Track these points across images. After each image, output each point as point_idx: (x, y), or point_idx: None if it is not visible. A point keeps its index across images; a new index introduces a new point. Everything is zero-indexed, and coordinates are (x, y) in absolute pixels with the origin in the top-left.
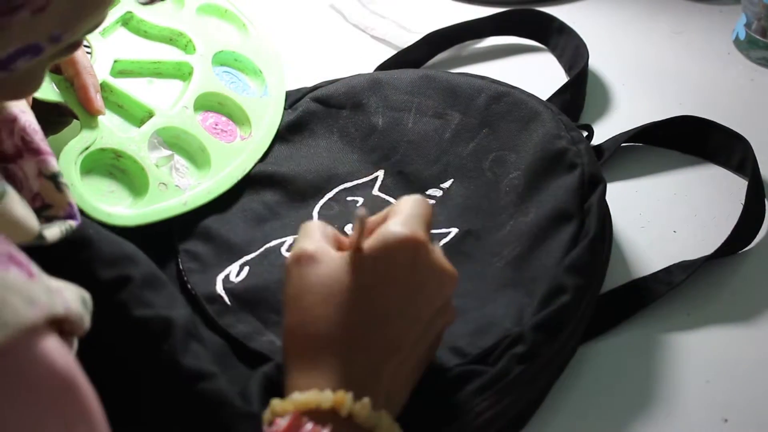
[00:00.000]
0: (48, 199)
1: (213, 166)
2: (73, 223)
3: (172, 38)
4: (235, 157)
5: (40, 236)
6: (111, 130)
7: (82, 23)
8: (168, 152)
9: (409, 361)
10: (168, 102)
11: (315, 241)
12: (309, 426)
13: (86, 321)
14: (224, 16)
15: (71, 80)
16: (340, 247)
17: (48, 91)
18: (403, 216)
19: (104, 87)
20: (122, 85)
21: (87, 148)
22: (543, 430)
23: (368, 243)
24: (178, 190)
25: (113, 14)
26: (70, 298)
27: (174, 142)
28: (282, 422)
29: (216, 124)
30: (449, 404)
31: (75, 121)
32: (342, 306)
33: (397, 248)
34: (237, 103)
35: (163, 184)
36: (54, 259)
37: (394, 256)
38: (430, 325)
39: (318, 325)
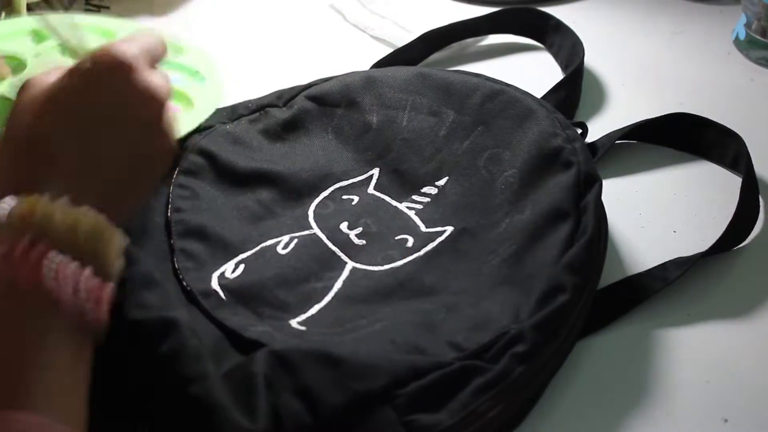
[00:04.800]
0: None
1: None
2: None
3: None
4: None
5: None
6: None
7: None
8: None
9: (118, 171)
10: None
11: (43, 73)
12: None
13: None
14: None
15: None
16: None
17: None
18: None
19: None
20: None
21: None
22: (540, 427)
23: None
24: None
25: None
26: None
27: None
28: None
29: None
30: (451, 403)
31: None
32: (40, 122)
33: (97, 64)
34: (179, 89)
35: None
36: None
37: (93, 71)
38: (134, 141)
39: (14, 128)
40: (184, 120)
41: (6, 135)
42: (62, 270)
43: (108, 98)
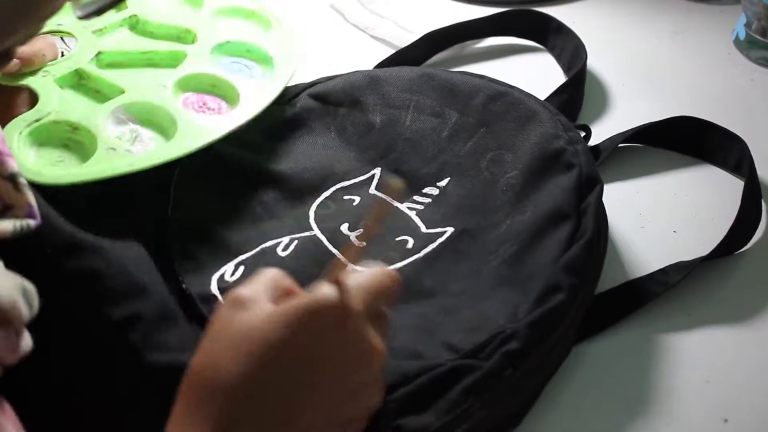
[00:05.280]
0: (8, 200)
1: (178, 135)
2: (31, 222)
3: (180, 36)
4: (206, 128)
5: None
6: (71, 105)
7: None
8: (133, 126)
9: None
10: (151, 85)
11: (254, 288)
12: None
13: (22, 308)
14: (250, 16)
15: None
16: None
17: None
18: (347, 283)
19: (81, 74)
20: (98, 70)
21: (38, 120)
22: (538, 428)
23: (295, 301)
24: (128, 155)
25: (115, 17)
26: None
27: (146, 117)
28: None
29: (203, 103)
30: (439, 403)
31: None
32: (248, 358)
33: (322, 312)
34: (229, 83)
35: (112, 148)
36: (66, 296)
37: (317, 319)
38: (343, 403)
39: (217, 372)
40: (217, 123)
41: (200, 373)
42: None
43: (327, 352)
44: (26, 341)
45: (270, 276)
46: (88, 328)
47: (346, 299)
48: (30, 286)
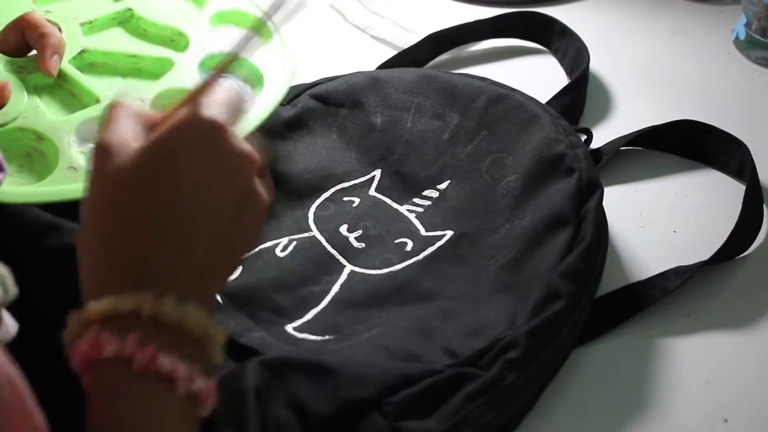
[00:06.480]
0: None
1: None
2: None
3: (173, 39)
4: None
5: None
6: (41, 112)
7: None
8: None
9: (216, 250)
10: (130, 96)
11: (117, 132)
12: (112, 342)
13: None
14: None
15: (35, 44)
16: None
17: None
18: (202, 100)
19: (60, 73)
20: (78, 73)
21: (3, 125)
22: (540, 428)
23: (161, 130)
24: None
25: (109, 9)
26: None
27: None
28: (82, 343)
29: None
30: (441, 410)
31: None
32: (132, 200)
33: (186, 131)
34: None
35: (73, 168)
36: (45, 271)
37: (185, 140)
38: (237, 213)
39: (107, 223)
40: None
41: (93, 212)
42: (173, 374)
43: (203, 168)
44: (9, 326)
45: (127, 112)
46: (66, 301)
47: (206, 113)
48: (3, 270)
